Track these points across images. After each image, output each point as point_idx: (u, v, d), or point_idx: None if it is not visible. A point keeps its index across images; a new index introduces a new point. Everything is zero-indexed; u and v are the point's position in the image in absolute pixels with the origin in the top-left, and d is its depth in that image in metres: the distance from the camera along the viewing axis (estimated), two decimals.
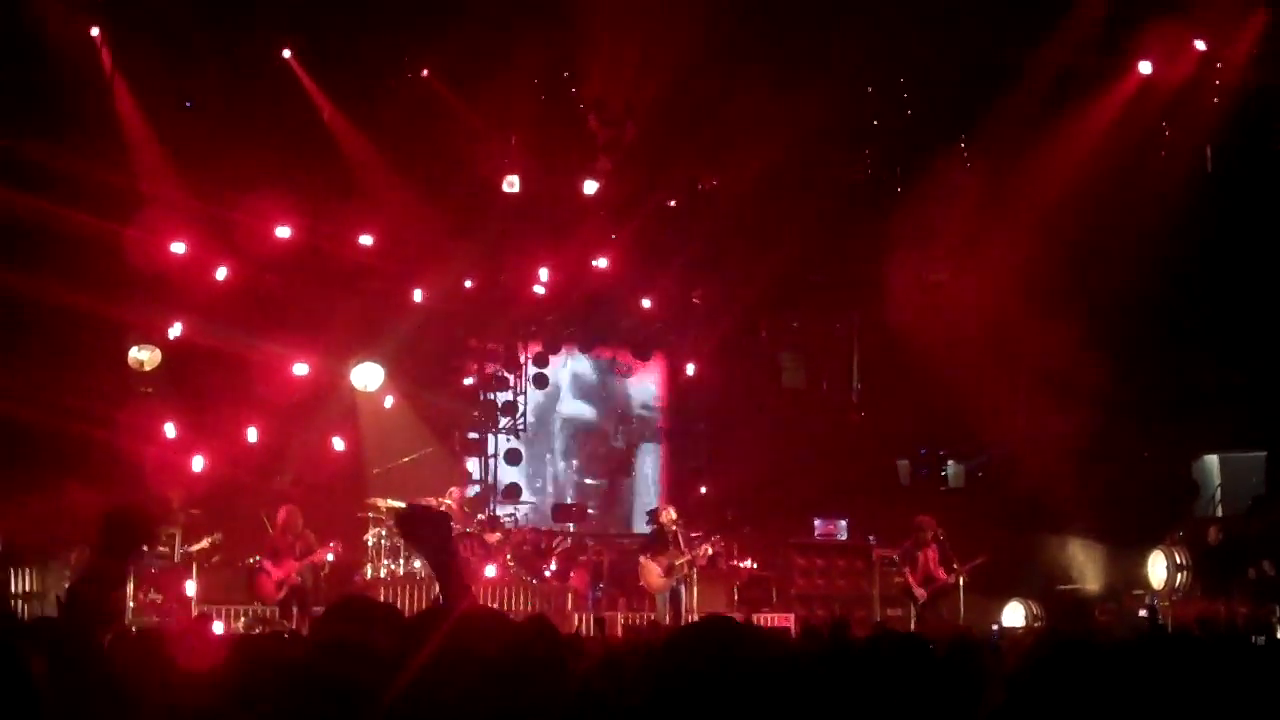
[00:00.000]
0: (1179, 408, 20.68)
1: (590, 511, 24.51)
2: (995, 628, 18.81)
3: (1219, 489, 21.71)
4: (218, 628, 16.96)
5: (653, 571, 18.79)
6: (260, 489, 20.05)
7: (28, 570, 17.34)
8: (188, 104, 19.82)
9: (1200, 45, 20.10)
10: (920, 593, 18.63)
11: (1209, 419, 20.98)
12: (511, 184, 20.95)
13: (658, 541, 19.14)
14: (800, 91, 20.25)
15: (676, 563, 18.66)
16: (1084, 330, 20.09)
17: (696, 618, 14.62)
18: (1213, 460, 22.04)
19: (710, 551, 19.03)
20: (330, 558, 18.40)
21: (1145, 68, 20.37)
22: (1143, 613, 18.51)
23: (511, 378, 24.02)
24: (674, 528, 18.96)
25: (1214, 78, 20.49)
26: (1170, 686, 4.38)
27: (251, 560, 18.91)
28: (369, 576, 19.00)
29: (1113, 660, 4.05)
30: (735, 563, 21.41)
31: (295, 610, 17.13)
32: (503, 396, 24.00)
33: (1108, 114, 20.50)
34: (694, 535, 19.49)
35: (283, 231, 20.53)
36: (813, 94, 20.36)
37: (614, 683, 5.65)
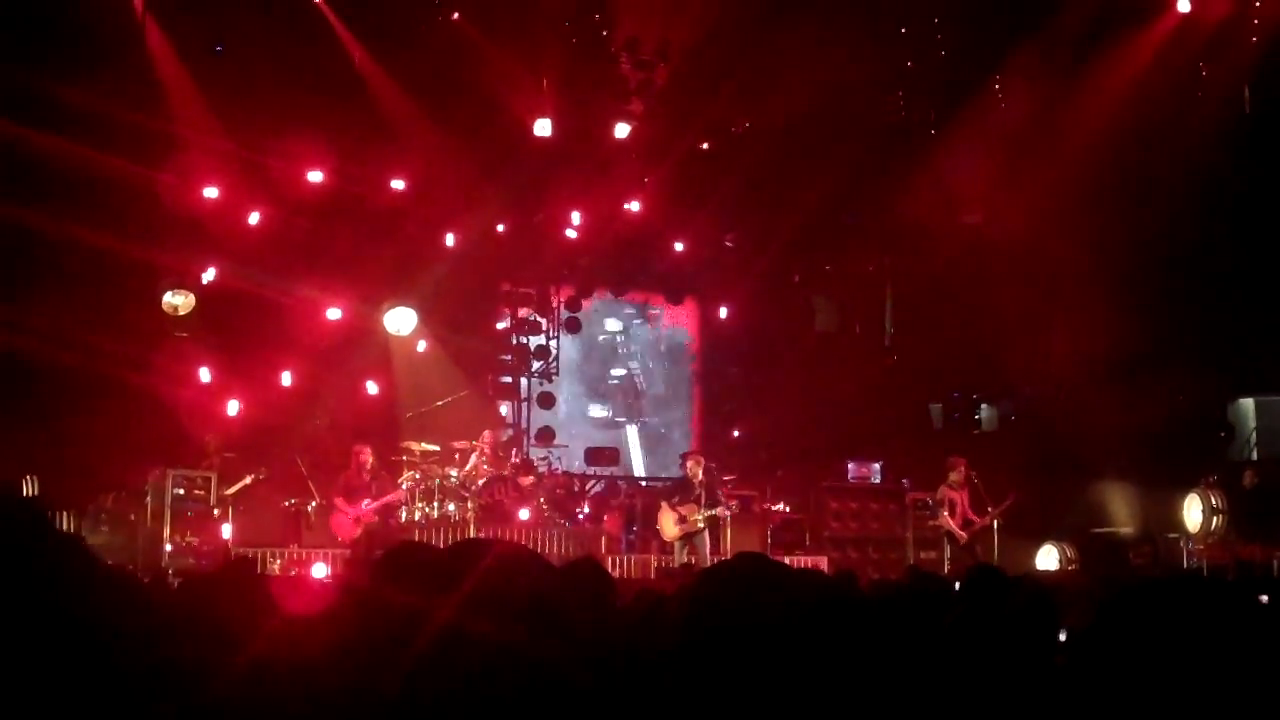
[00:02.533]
0: (1215, 351, 20.56)
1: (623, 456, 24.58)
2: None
3: (1255, 432, 21.59)
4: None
5: (668, 519, 18.77)
6: (295, 432, 20.17)
7: (64, 514, 17.46)
8: (219, 48, 19.77)
9: None
10: (962, 535, 18.66)
11: (1245, 362, 20.87)
12: (543, 127, 20.86)
13: (682, 490, 19.09)
14: (833, 33, 20.10)
15: (691, 517, 18.58)
16: (1118, 273, 19.97)
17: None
18: (1248, 403, 21.90)
19: (727, 515, 18.89)
20: (401, 497, 18.63)
21: (1183, 6, 20.11)
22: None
23: (544, 321, 24.02)
24: (699, 479, 18.86)
25: (1253, 16, 20.25)
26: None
27: (290, 502, 19.08)
28: (404, 519, 19.09)
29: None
30: (768, 505, 21.43)
31: (365, 550, 17.18)
32: (535, 340, 24.00)
33: (1144, 53, 20.26)
34: (725, 479, 19.48)
35: (315, 176, 20.53)
36: (846, 35, 20.21)
37: (648, 621, 5.65)
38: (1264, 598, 6.33)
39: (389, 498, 18.25)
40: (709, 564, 17.44)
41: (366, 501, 17.85)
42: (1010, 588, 6.24)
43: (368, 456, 18.21)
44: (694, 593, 2.97)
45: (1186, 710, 2.95)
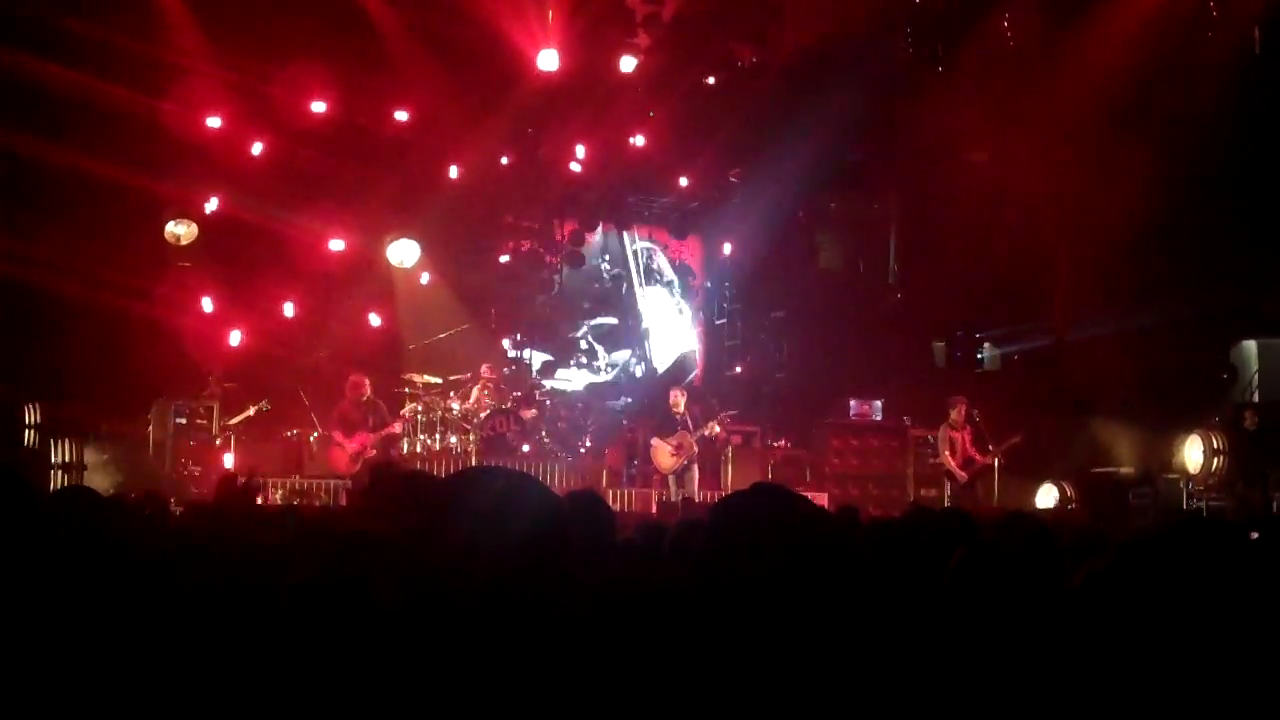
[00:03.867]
0: (1218, 292, 20.51)
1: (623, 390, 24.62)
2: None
3: (1257, 374, 21.57)
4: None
5: (663, 451, 18.98)
6: (297, 363, 20.20)
7: (67, 441, 17.52)
8: None
9: None
10: (962, 475, 18.74)
11: (1248, 304, 20.83)
12: (548, 60, 20.73)
13: (667, 423, 19.29)
14: None
15: (685, 442, 18.83)
16: (1122, 214, 19.90)
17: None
18: (1251, 345, 21.88)
19: (718, 429, 19.15)
20: (399, 429, 18.66)
21: None
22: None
23: (547, 255, 23.97)
24: (680, 411, 19.09)
25: None
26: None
27: (292, 433, 19.15)
28: (405, 451, 19.13)
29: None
30: (770, 442, 21.49)
31: (368, 483, 17.18)
32: (539, 274, 23.96)
33: None
34: (722, 415, 19.57)
35: (318, 106, 20.43)
36: None
37: (652, 552, 5.67)
38: (1254, 534, 6.33)
39: (386, 431, 18.27)
40: (696, 499, 17.59)
41: (363, 435, 17.92)
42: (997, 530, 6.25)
43: (366, 388, 18.23)
44: (712, 519, 2.97)
45: (1200, 649, 2.96)
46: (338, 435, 18.05)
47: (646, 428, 21.82)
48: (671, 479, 18.91)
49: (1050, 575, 4.83)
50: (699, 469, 19.29)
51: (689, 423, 18.99)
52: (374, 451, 17.98)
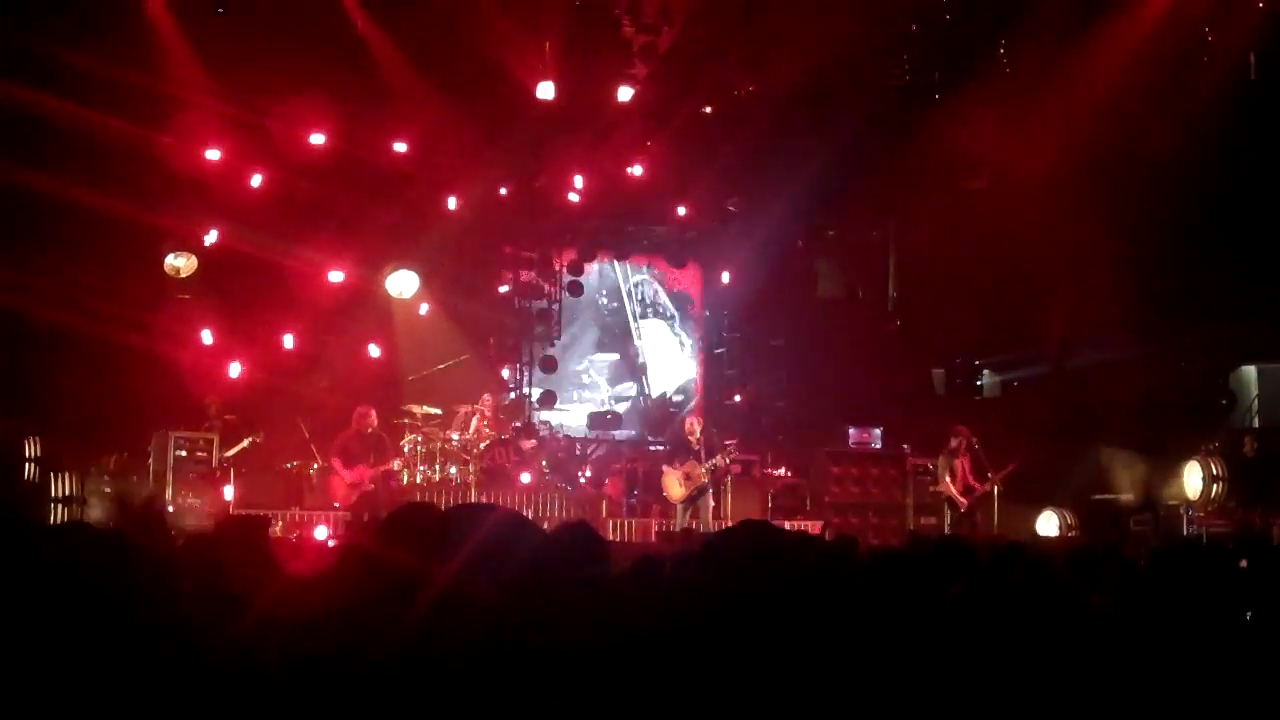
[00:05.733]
0: (1217, 318, 20.51)
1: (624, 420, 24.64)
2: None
3: (1256, 400, 21.54)
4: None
5: (673, 480, 18.83)
6: (296, 395, 20.21)
7: (67, 475, 17.52)
8: (220, 9, 19.67)
9: None
10: (963, 501, 18.72)
11: (1247, 329, 20.82)
12: (546, 90, 20.78)
13: (680, 451, 19.17)
14: None
15: (694, 473, 18.66)
16: (1122, 240, 19.92)
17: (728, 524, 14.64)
18: (1250, 370, 21.84)
19: (728, 461, 18.98)
20: (396, 467, 18.68)
21: None
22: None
23: (546, 285, 23.99)
24: (695, 437, 18.94)
25: None
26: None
27: (292, 464, 19.17)
28: (405, 482, 19.13)
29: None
30: (769, 471, 21.47)
31: (366, 516, 17.21)
32: (537, 304, 23.98)
33: (1149, 17, 20.14)
34: (726, 444, 19.45)
35: (317, 138, 20.49)
36: None
37: (648, 586, 5.66)
38: (1243, 562, 6.34)
39: (384, 468, 18.30)
40: (711, 528, 17.52)
41: (362, 469, 17.96)
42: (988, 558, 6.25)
43: (372, 419, 18.29)
44: (700, 560, 2.98)
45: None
46: (337, 464, 18.07)
47: (646, 458, 21.83)
48: (680, 508, 18.78)
49: (1053, 605, 4.83)
50: (712, 497, 19.14)
51: (702, 452, 18.82)
52: (371, 486, 18.00)
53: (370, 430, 18.27)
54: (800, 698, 2.71)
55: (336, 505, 18.00)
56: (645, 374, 25.48)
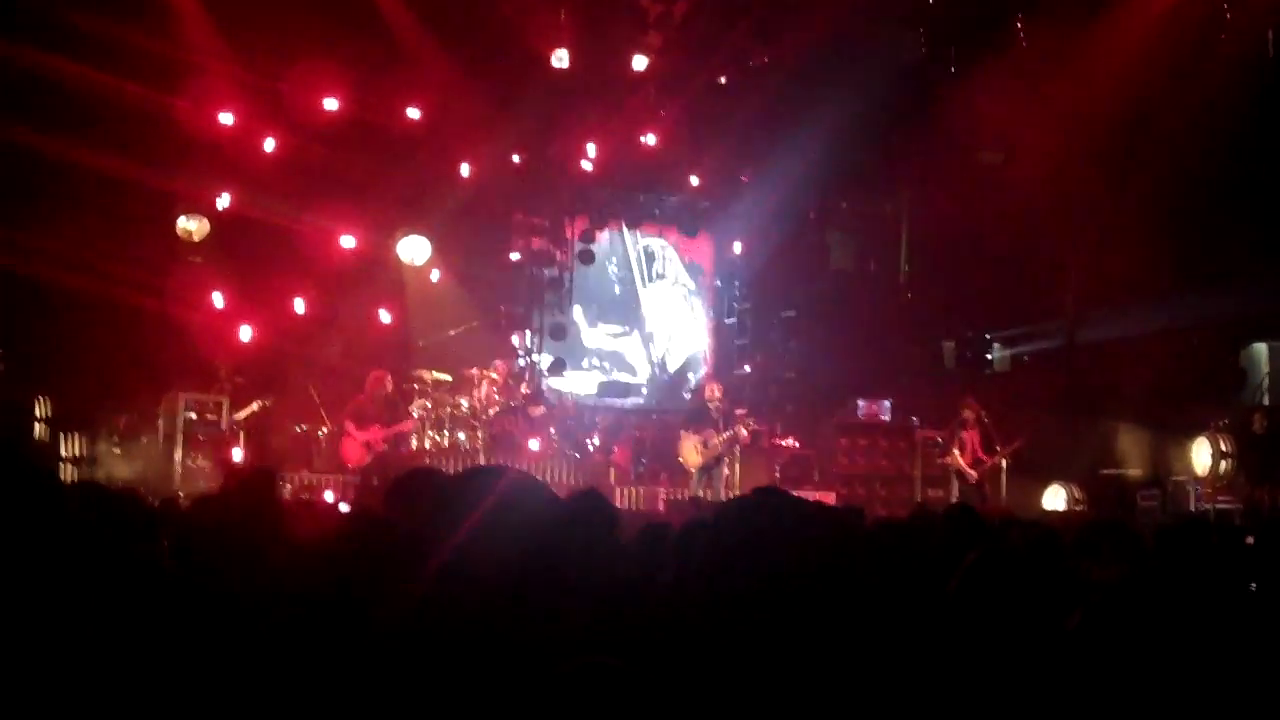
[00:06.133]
0: (1229, 294, 20.48)
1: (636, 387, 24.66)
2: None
3: (1266, 377, 21.54)
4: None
5: (690, 446, 18.75)
6: (307, 359, 20.24)
7: (76, 435, 17.61)
8: None
9: None
10: (972, 474, 18.73)
11: (1259, 306, 20.79)
12: (560, 58, 20.74)
13: (700, 416, 19.11)
14: None
15: (713, 441, 18.63)
16: (1134, 216, 19.88)
17: (738, 494, 14.69)
18: (1261, 348, 21.83)
19: (745, 433, 18.91)
20: (410, 427, 18.76)
21: None
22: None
23: (558, 253, 23.98)
24: (716, 404, 18.90)
25: None
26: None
27: (301, 428, 19.22)
28: (414, 447, 19.17)
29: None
30: (778, 441, 21.49)
31: (376, 479, 17.23)
32: (549, 272, 23.98)
33: None
34: (737, 413, 19.44)
35: (330, 103, 20.46)
36: None
37: (654, 554, 5.69)
38: (1249, 539, 6.37)
39: (401, 426, 18.35)
40: (722, 497, 17.54)
41: (376, 429, 17.99)
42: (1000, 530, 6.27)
43: (388, 383, 18.33)
44: (713, 526, 2.99)
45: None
46: (350, 425, 18.07)
47: (654, 426, 21.84)
48: (696, 475, 18.72)
49: (1061, 579, 4.86)
50: (726, 466, 19.15)
51: (720, 420, 18.78)
52: (385, 445, 18.02)
53: (387, 393, 18.32)
54: (806, 666, 2.74)
55: (350, 467, 18.00)
56: (654, 342, 25.48)
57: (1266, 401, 20.75)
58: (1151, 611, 3.11)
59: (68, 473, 16.80)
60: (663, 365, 25.48)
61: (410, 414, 18.92)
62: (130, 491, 8.79)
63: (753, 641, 2.80)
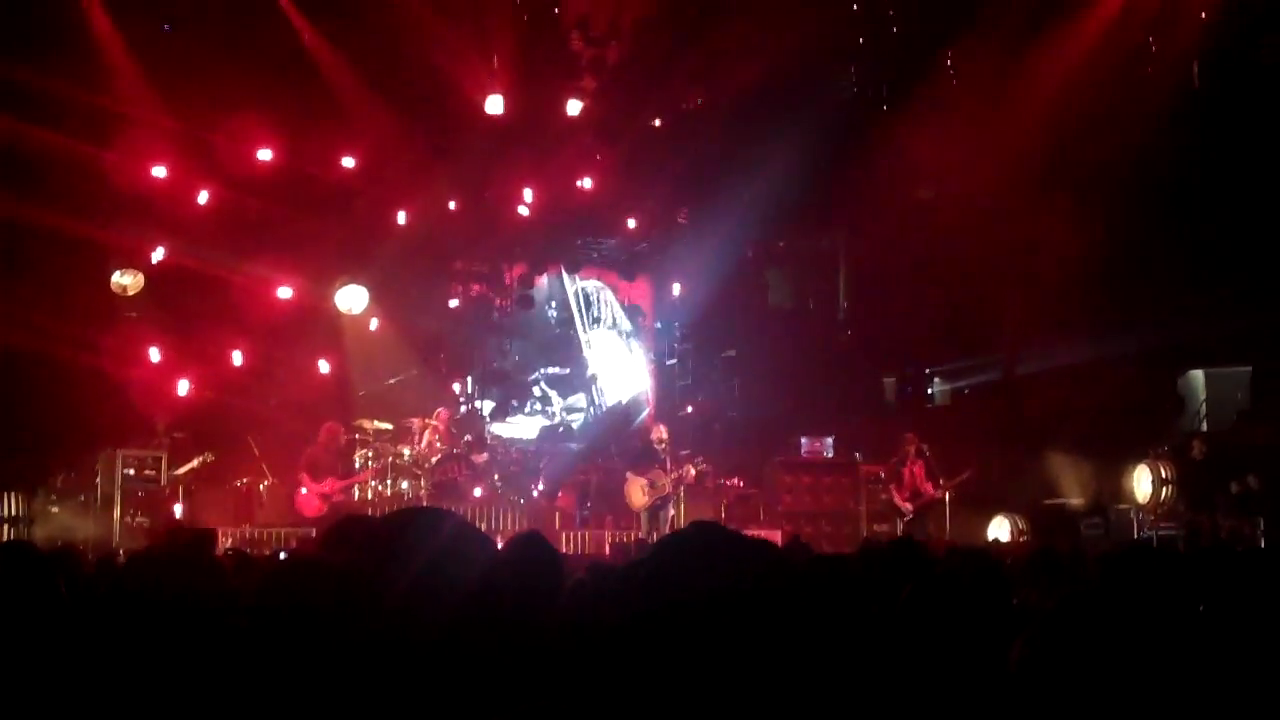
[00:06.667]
0: (1164, 323, 20.69)
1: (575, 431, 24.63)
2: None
3: (1204, 403, 21.75)
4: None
5: (637, 487, 18.79)
6: (246, 412, 20.09)
7: (13, 494, 17.40)
8: (166, 26, 19.58)
9: None
10: (907, 508, 18.85)
11: (1194, 334, 21.01)
12: (495, 105, 20.77)
13: (645, 458, 19.14)
14: (786, 9, 20.12)
15: (659, 481, 18.66)
16: (1069, 248, 20.06)
17: None
18: (1198, 375, 22.07)
19: (694, 472, 18.97)
20: (372, 481, 18.70)
21: None
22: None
23: (497, 299, 23.95)
24: (663, 446, 18.95)
25: None
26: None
27: (242, 482, 19.04)
28: (356, 497, 19.05)
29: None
30: (722, 480, 21.49)
31: None
32: (488, 318, 23.93)
33: (1094, 27, 20.32)
34: (682, 454, 19.46)
35: (264, 154, 20.37)
36: (799, 11, 20.23)
37: (599, 595, 5.66)
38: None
39: (359, 477, 18.38)
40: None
41: (332, 481, 17.98)
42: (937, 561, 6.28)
43: (341, 436, 18.46)
44: (651, 560, 2.97)
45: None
46: (305, 478, 18.01)
47: (599, 470, 21.79)
48: (645, 516, 18.75)
49: (1000, 607, 4.87)
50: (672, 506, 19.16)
51: (668, 460, 18.83)
52: (341, 497, 18.00)
53: (338, 446, 18.34)
54: (748, 696, 2.71)
55: (307, 518, 17.87)
56: (596, 384, 25.47)
57: (1205, 428, 20.93)
58: (1095, 635, 3.11)
59: (4, 533, 16.57)
60: (605, 408, 25.46)
61: (368, 465, 18.95)
62: (68, 549, 8.68)
63: (694, 677, 2.77)
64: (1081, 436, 20.54)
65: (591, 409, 25.35)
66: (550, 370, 25.13)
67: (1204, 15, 20.19)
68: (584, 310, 25.60)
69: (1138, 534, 18.89)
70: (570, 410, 25.14)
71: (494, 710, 2.73)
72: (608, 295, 25.76)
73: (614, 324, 25.89)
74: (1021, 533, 19.93)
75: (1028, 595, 6.77)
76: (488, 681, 2.83)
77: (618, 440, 24.32)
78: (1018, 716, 3.26)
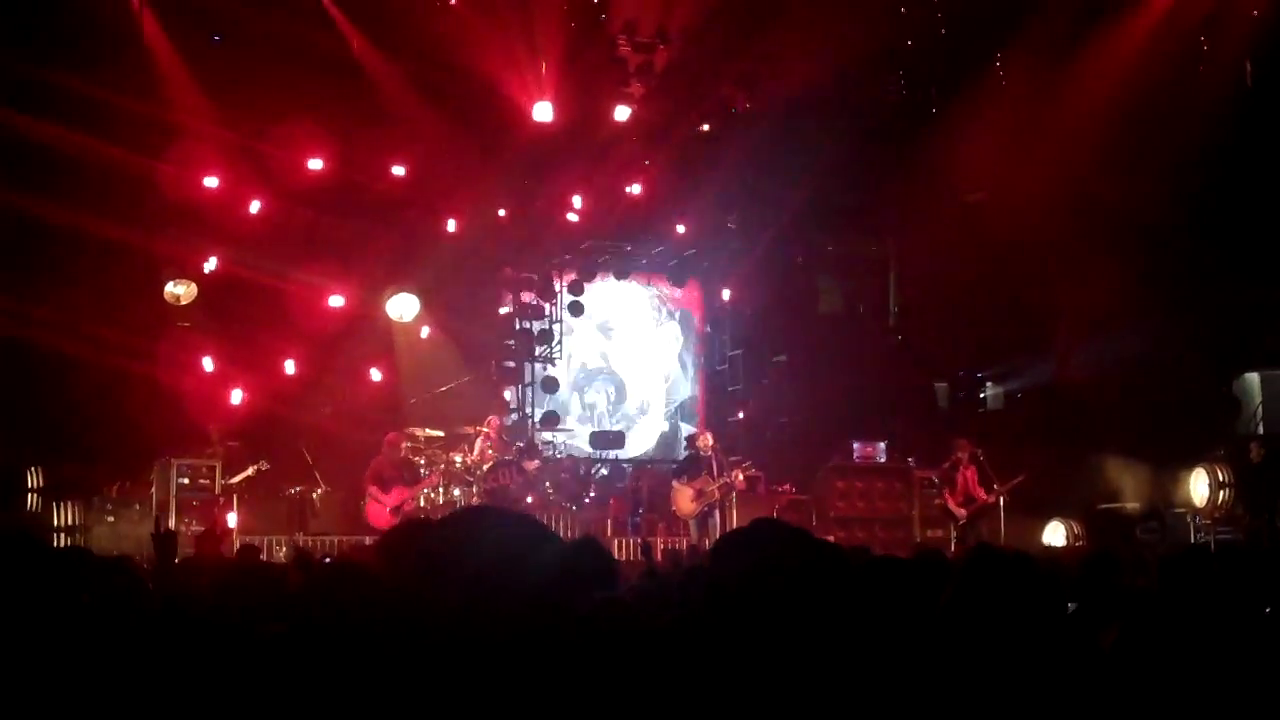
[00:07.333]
0: (1220, 325, 20.51)
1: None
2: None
3: (1260, 406, 21.55)
4: None
5: (684, 496, 18.85)
6: (298, 421, 20.18)
7: (70, 504, 17.52)
8: (216, 37, 19.71)
9: None
10: (960, 513, 18.72)
11: (1251, 336, 20.82)
12: (543, 111, 20.78)
13: (692, 466, 19.18)
14: (834, 12, 20.04)
15: (707, 488, 18.69)
16: (1123, 249, 19.91)
17: None
18: (1254, 377, 21.86)
19: (742, 478, 18.98)
20: (436, 482, 18.91)
21: None
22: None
23: (547, 306, 23.98)
24: (710, 453, 18.98)
25: None
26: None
27: (295, 490, 19.12)
28: (411, 506, 19.11)
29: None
30: (774, 486, 21.42)
31: None
32: (538, 325, 23.97)
33: (1144, 27, 20.17)
34: (731, 460, 19.42)
35: (315, 163, 20.46)
36: (846, 15, 20.15)
37: (656, 600, 5.65)
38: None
39: (422, 484, 18.65)
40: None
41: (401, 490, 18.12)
42: (1008, 564, 6.21)
43: (403, 445, 18.55)
44: (715, 553, 2.94)
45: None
46: (374, 490, 18.13)
47: (649, 477, 21.79)
48: (693, 524, 18.79)
49: (1048, 611, 4.81)
50: (720, 513, 19.15)
51: (714, 467, 18.86)
52: (412, 505, 18.16)
53: (401, 456, 18.45)
54: (809, 685, 2.69)
55: (380, 529, 17.96)
56: (646, 392, 25.46)
57: (1261, 431, 20.73)
58: (1170, 636, 3.07)
59: (61, 542, 16.67)
60: (655, 415, 25.44)
61: (429, 470, 19.09)
62: (123, 559, 8.73)
63: (754, 667, 2.75)
64: (1136, 440, 20.37)
65: (642, 415, 25.33)
66: (600, 376, 25.13)
67: (1255, 13, 20.01)
68: (635, 316, 25.60)
69: (1194, 538, 18.71)
70: (620, 417, 25.13)
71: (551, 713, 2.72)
72: (659, 301, 25.75)
73: (665, 329, 25.86)
74: (1077, 537, 19.79)
75: (1085, 600, 6.71)
76: (543, 685, 2.82)
77: (667, 447, 24.33)
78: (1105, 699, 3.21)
